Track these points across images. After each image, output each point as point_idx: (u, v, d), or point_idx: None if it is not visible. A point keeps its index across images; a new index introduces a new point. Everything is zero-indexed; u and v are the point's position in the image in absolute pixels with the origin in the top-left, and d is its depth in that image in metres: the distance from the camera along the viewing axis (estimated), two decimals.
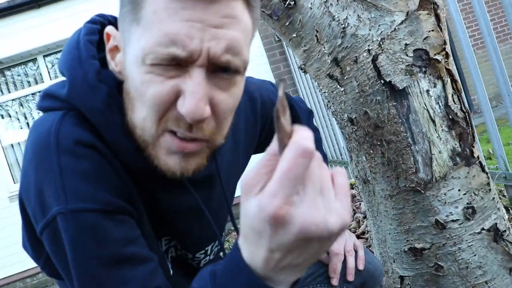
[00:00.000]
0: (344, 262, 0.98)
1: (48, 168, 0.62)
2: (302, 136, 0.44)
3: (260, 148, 1.06)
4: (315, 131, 1.19)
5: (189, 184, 0.75)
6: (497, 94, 6.12)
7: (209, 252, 0.91)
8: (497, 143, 2.17)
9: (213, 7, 0.57)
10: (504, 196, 2.32)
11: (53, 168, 0.62)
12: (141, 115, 0.62)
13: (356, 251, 1.00)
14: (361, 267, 0.98)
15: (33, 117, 5.33)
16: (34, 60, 5.12)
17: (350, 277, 0.97)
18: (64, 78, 0.70)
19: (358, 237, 2.46)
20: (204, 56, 0.58)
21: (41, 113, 0.73)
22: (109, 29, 0.68)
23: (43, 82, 5.14)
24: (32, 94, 5.22)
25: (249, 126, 0.95)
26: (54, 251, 0.64)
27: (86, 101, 0.65)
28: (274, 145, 0.45)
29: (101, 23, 0.74)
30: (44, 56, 5.12)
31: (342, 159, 4.24)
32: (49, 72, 5.17)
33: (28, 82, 5.23)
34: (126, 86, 0.65)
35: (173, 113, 0.61)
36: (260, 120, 0.98)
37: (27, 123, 5.32)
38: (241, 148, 0.94)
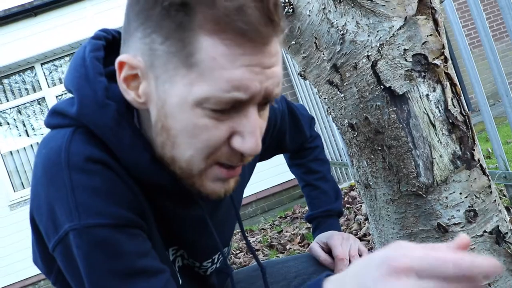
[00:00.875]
0: None
1: (59, 185, 0.63)
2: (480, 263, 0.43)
3: (263, 157, 1.07)
4: (317, 137, 1.20)
5: (198, 195, 0.77)
6: (494, 92, 6.15)
7: (215, 260, 0.92)
8: (496, 143, 2.18)
9: (267, 48, 0.59)
10: (504, 195, 2.33)
11: (64, 185, 0.63)
12: (188, 153, 0.64)
13: (361, 256, 1.00)
14: None
15: (32, 125, 5.33)
16: (32, 68, 5.13)
17: None
18: (71, 95, 0.70)
19: (359, 239, 2.47)
20: (261, 96, 0.61)
21: (47, 129, 0.74)
22: (125, 57, 0.64)
23: (41, 89, 5.15)
24: (31, 102, 5.23)
25: None
26: (67, 266, 0.65)
27: (96, 119, 0.66)
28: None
29: (105, 38, 0.74)
30: (41, 64, 5.12)
31: (341, 161, 4.25)
32: (46, 80, 5.17)
33: (26, 90, 5.23)
34: (164, 123, 0.64)
35: (225, 149, 0.64)
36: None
37: (26, 131, 5.32)
38: None
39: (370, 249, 2.12)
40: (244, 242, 3.42)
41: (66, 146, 0.65)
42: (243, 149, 0.62)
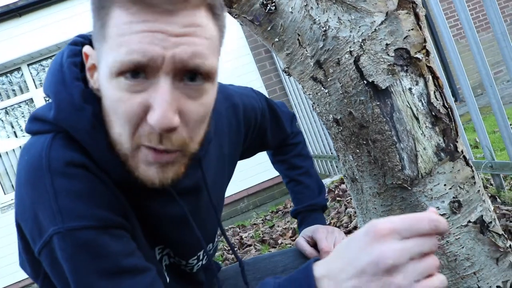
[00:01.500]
0: None
1: (42, 190, 0.64)
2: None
3: (246, 154, 1.08)
4: (299, 133, 1.21)
5: (176, 193, 0.77)
6: (481, 82, 6.21)
7: (201, 257, 0.92)
8: (482, 133, 2.21)
9: (174, 18, 0.59)
10: (491, 184, 2.36)
11: (47, 190, 0.64)
12: (117, 130, 0.65)
13: None
14: None
15: (20, 126, 5.29)
16: (19, 69, 5.08)
17: None
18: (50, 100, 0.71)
19: (350, 232, 2.49)
20: (169, 63, 0.60)
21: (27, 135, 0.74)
22: (86, 49, 0.69)
23: (28, 91, 5.11)
24: (18, 103, 5.18)
25: (233, 132, 0.97)
26: (53, 270, 0.66)
27: (73, 123, 0.67)
28: None
29: (82, 43, 0.75)
30: (28, 65, 5.08)
31: (332, 154, 4.27)
32: (34, 81, 5.13)
33: (14, 91, 5.19)
34: (104, 104, 0.67)
35: (145, 127, 0.63)
36: (243, 126, 1.00)
37: (14, 132, 5.28)
38: (226, 155, 0.96)
39: None
40: (236, 238, 3.44)
41: (46, 152, 0.66)
42: (150, 121, 0.60)
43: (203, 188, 0.86)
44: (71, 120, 0.67)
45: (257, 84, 5.06)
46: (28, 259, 0.73)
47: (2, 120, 5.24)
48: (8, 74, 5.10)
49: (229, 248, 3.23)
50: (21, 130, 5.28)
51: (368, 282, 0.49)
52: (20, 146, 5.24)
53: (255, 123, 1.05)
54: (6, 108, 5.13)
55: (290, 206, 4.09)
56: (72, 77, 0.69)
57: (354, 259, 0.50)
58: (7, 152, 5.21)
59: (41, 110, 0.73)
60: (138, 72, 0.60)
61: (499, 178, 2.24)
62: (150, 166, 0.66)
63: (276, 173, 5.09)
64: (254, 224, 3.94)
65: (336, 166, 4.37)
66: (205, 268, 0.96)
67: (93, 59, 0.69)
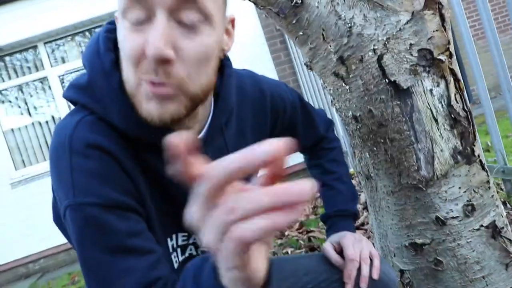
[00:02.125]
0: (359, 269, 0.97)
1: (62, 166, 0.71)
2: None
3: None
4: (335, 140, 1.21)
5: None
6: (496, 85, 6.14)
7: None
8: (496, 137, 2.20)
9: None
10: (501, 189, 2.35)
11: (65, 167, 0.71)
12: (125, 69, 0.72)
13: (371, 260, 0.99)
14: (375, 276, 0.96)
15: (34, 104, 5.33)
16: (35, 47, 5.11)
17: (364, 284, 0.95)
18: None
19: (357, 228, 2.50)
20: None
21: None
22: (116, 13, 0.75)
23: (43, 69, 5.13)
24: (33, 81, 5.22)
25: (257, 117, 0.99)
26: (70, 236, 0.73)
27: (103, 85, 0.74)
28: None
29: None
30: (44, 43, 5.10)
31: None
32: (49, 59, 5.16)
33: (29, 68, 5.22)
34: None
35: (144, 62, 0.67)
36: (270, 114, 1.01)
37: (28, 109, 5.33)
38: (248, 133, 0.97)
39: (369, 238, 2.15)
40: None
41: (70, 133, 0.72)
42: (146, 52, 0.65)
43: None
44: (102, 83, 0.74)
45: (271, 74, 5.06)
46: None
47: (16, 98, 5.28)
48: (24, 52, 5.13)
49: None
50: (34, 108, 5.32)
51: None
52: (33, 123, 5.29)
53: (283, 113, 1.05)
54: (20, 85, 5.17)
55: None
56: (105, 48, 0.76)
57: None
58: (19, 128, 5.26)
59: (76, 79, 0.81)
60: (140, 12, 0.66)
61: (510, 184, 2.23)
62: (149, 100, 0.69)
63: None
64: None
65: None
66: None
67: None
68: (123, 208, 0.71)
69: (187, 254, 0.88)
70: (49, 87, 5.18)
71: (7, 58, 5.14)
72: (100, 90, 0.75)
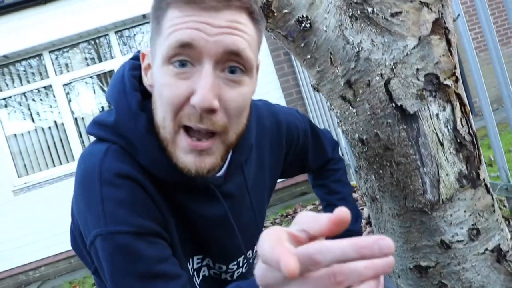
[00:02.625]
0: None
1: (92, 196, 0.73)
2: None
3: (286, 173, 1.11)
4: (340, 160, 1.23)
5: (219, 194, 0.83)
6: (498, 97, 6.12)
7: (241, 264, 0.95)
8: (499, 154, 2.20)
9: (218, 14, 0.68)
10: (504, 206, 2.36)
11: (96, 196, 0.72)
12: (161, 114, 0.72)
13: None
14: None
15: (36, 110, 5.35)
16: (40, 56, 5.14)
17: None
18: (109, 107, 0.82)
19: None
20: (212, 47, 0.68)
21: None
22: (144, 49, 0.79)
23: (48, 77, 5.16)
24: (37, 89, 5.24)
25: (274, 147, 1.01)
26: (98, 265, 0.75)
27: (130, 126, 0.76)
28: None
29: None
30: (49, 52, 5.13)
31: (347, 162, 4.28)
32: (54, 68, 5.19)
33: (33, 75, 5.25)
34: (154, 93, 0.75)
35: (187, 109, 0.69)
36: (285, 143, 1.04)
37: (30, 115, 5.35)
38: (267, 167, 1.00)
39: None
40: None
41: (100, 162, 0.74)
42: (194, 101, 0.67)
43: (245, 193, 0.92)
44: (129, 124, 0.76)
45: (274, 85, 5.08)
46: (84, 248, 0.82)
47: (19, 103, 5.30)
48: (29, 60, 5.16)
49: None
50: (37, 114, 5.34)
51: None
52: (36, 129, 5.30)
53: (297, 142, 1.08)
54: (25, 93, 5.20)
55: (300, 211, 4.10)
56: (132, 88, 0.79)
57: None
58: (22, 134, 5.28)
59: (102, 116, 0.82)
60: (185, 61, 0.68)
61: None
62: (187, 153, 0.72)
63: None
64: (264, 226, 3.96)
65: (348, 173, 4.36)
66: (245, 277, 0.98)
67: (148, 59, 0.78)
68: (151, 234, 0.74)
69: (201, 276, 0.91)
70: (54, 95, 5.21)
71: (12, 66, 5.17)
72: (127, 130, 0.76)
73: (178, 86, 0.69)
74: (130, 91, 0.78)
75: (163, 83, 0.70)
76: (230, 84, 0.71)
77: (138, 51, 0.86)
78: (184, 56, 0.68)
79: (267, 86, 5.01)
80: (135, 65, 0.83)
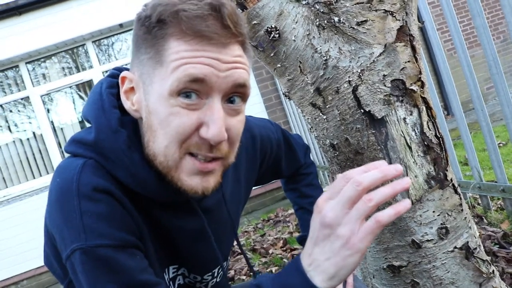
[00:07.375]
0: None
1: (70, 210, 0.73)
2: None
3: (260, 181, 1.15)
4: (311, 165, 1.27)
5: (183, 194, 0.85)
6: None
7: (216, 274, 0.98)
8: (472, 154, 2.27)
9: (226, 50, 0.72)
10: (478, 204, 2.42)
11: (74, 211, 0.73)
12: (164, 143, 0.74)
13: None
14: None
15: (14, 121, 5.29)
16: (16, 67, 5.09)
17: None
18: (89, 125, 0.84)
19: None
20: (222, 82, 0.71)
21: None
22: (125, 73, 0.79)
23: (25, 89, 5.10)
24: (14, 101, 5.18)
25: (250, 161, 1.05)
26: (75, 279, 0.75)
27: (110, 143, 0.77)
28: None
29: (118, 76, 0.84)
30: (26, 63, 5.09)
31: (324, 164, 4.32)
32: (31, 79, 5.14)
33: (10, 86, 5.19)
34: (148, 121, 0.76)
35: (194, 139, 0.72)
36: (259, 156, 1.07)
37: (8, 126, 5.28)
38: (243, 180, 1.03)
39: None
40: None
41: (77, 176, 0.75)
42: (208, 135, 0.71)
43: (223, 207, 0.95)
44: (109, 141, 0.77)
45: (253, 91, 5.12)
46: (58, 262, 0.83)
47: None
48: (6, 71, 5.10)
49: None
50: (15, 125, 5.28)
51: (325, 246, 0.65)
52: (14, 141, 5.24)
53: (270, 153, 1.11)
54: (2, 105, 5.13)
55: (282, 215, 4.13)
56: (110, 105, 0.80)
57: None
58: (0, 146, 5.21)
59: (80, 134, 0.83)
60: (192, 93, 0.71)
61: (486, 199, 2.30)
62: (193, 176, 0.75)
63: None
64: (246, 231, 3.97)
65: (328, 176, 4.42)
66: (218, 286, 1.01)
67: (133, 83, 0.79)
68: (130, 246, 0.75)
69: (176, 285, 0.93)
70: (31, 107, 5.15)
71: None
72: (107, 147, 0.77)
73: (189, 117, 0.71)
74: (109, 108, 0.79)
75: (171, 113, 0.71)
76: (231, 113, 0.75)
77: (115, 68, 0.88)
78: (194, 89, 0.70)
79: None
80: (112, 83, 0.84)
